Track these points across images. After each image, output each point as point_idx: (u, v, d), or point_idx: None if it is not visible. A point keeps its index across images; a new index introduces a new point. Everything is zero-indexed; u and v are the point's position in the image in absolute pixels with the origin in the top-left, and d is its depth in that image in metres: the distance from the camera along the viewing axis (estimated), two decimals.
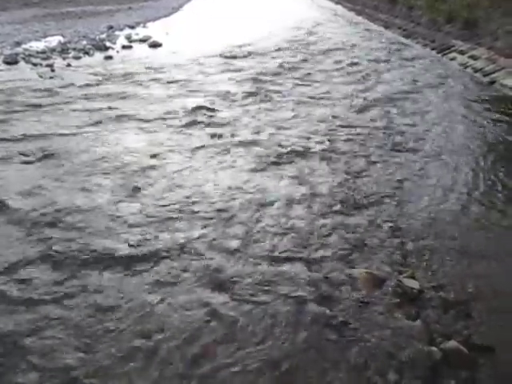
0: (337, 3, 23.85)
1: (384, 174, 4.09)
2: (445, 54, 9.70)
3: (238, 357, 2.16)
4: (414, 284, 2.62)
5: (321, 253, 2.93)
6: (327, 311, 2.44)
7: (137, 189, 3.76)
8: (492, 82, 7.42)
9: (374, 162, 4.32)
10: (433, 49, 10.34)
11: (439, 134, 5.10)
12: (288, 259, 2.87)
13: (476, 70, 8.19)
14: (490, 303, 2.52)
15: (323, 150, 4.57)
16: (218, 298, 2.53)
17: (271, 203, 3.56)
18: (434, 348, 2.20)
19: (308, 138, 4.91)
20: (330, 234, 3.14)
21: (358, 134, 5.04)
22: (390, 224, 3.27)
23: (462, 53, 9.24)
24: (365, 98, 6.46)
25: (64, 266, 2.80)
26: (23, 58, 9.13)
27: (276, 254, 2.93)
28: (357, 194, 3.71)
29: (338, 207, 3.50)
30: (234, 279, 2.68)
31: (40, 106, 6.10)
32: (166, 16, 17.93)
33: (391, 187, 3.83)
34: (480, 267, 2.82)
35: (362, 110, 5.96)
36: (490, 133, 5.15)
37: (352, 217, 3.37)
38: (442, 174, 4.11)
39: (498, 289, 2.63)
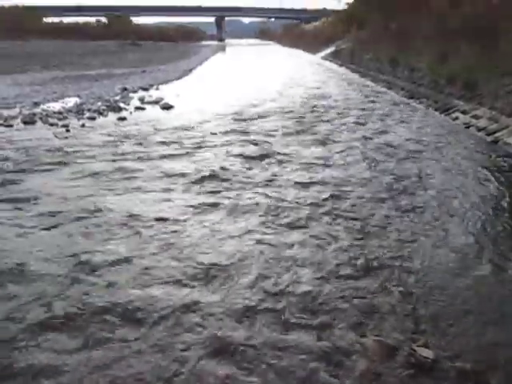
0: (340, 65, 24.98)
1: (393, 235, 4.06)
2: (448, 114, 9.96)
3: None
4: (428, 353, 2.52)
5: (330, 319, 2.87)
6: (338, 382, 2.34)
7: None
8: (496, 141, 7.54)
9: (383, 224, 4.31)
10: (436, 109, 10.63)
11: (446, 193, 5.11)
12: (296, 326, 2.80)
13: (479, 129, 8.36)
14: (509, 372, 2.41)
15: (330, 212, 4.61)
16: (224, 367, 2.45)
17: (278, 264, 3.53)
18: None
19: (316, 203, 4.97)
20: (338, 299, 3.08)
21: (365, 195, 5.07)
22: (401, 288, 3.21)
23: (464, 112, 9.49)
24: (370, 158, 6.57)
25: None
26: (40, 118, 9.51)
27: (283, 319, 2.86)
28: (365, 256, 3.68)
29: (346, 270, 3.46)
30: (241, 345, 2.61)
31: (53, 164, 6.27)
32: (177, 79, 18.84)
33: (401, 249, 3.79)
34: (497, 334, 2.73)
35: (367, 170, 6.03)
36: (497, 192, 5.16)
37: (361, 280, 3.32)
38: (452, 235, 4.07)
39: None
